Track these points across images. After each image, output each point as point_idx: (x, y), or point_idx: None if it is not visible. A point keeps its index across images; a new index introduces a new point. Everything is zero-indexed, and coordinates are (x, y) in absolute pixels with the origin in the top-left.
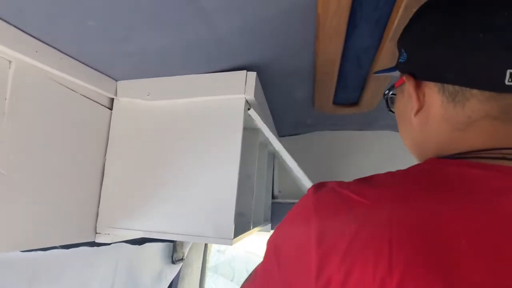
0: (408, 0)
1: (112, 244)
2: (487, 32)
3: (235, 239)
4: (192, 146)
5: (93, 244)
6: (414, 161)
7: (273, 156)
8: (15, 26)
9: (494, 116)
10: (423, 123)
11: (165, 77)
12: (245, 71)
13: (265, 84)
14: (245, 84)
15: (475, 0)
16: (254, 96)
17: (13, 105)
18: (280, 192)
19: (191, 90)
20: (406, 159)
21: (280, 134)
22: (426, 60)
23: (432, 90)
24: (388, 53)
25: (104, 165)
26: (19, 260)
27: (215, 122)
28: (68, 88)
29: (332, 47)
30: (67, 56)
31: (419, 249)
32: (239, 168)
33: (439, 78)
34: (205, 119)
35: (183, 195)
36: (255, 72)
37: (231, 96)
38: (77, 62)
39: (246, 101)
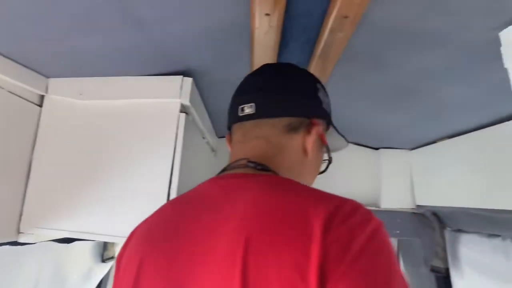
0: (332, 25)
1: (37, 243)
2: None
3: None
4: (125, 148)
5: (16, 243)
6: None
7: (214, 155)
8: None
9: (239, 140)
10: None
11: (99, 77)
12: (181, 76)
13: (204, 88)
14: (181, 89)
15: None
16: (190, 101)
17: None
18: None
19: (126, 91)
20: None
21: (219, 135)
22: None
23: None
24: (318, 69)
25: (30, 164)
26: None
27: (150, 124)
28: None
29: (266, 60)
30: None
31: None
32: (180, 169)
33: None
34: (140, 121)
35: (114, 196)
36: (191, 78)
37: (166, 100)
38: (5, 58)
39: (182, 105)
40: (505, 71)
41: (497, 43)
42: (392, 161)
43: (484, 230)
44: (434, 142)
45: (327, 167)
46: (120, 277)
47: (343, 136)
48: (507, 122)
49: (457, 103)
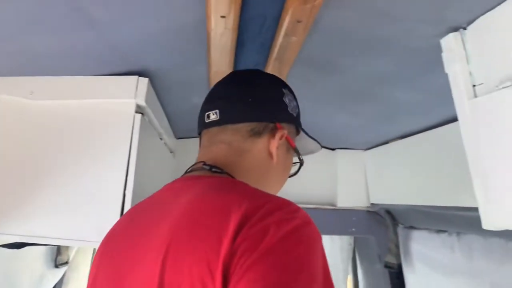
0: (286, 29)
1: None
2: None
3: None
4: (79, 150)
5: None
6: None
7: (173, 156)
8: None
9: (204, 145)
10: None
11: (51, 76)
12: (137, 76)
13: (161, 89)
14: (136, 89)
15: None
16: (146, 101)
17: None
18: None
19: (79, 91)
20: None
21: (178, 136)
22: None
23: None
24: (275, 72)
25: None
26: None
27: (104, 125)
28: None
29: (223, 62)
30: None
31: None
32: (135, 171)
33: None
34: (94, 122)
35: (68, 199)
36: (147, 78)
37: (121, 100)
38: None
39: (137, 106)
40: (446, 76)
41: (439, 49)
42: (347, 161)
43: (433, 226)
44: (386, 142)
45: (298, 170)
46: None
47: (314, 139)
48: (450, 124)
49: (407, 106)
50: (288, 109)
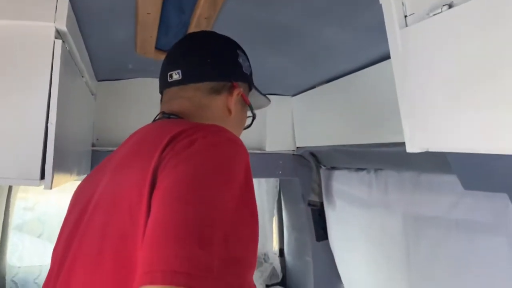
0: None
1: None
2: None
3: (55, 182)
4: None
5: None
6: None
7: (94, 99)
8: None
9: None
10: None
11: None
12: None
13: (81, 20)
14: (55, 12)
15: None
16: (66, 26)
17: None
18: (98, 140)
19: None
20: None
21: (99, 78)
22: None
23: None
24: (209, 1)
25: None
26: None
27: (21, 51)
28: None
29: None
30: None
31: None
32: (58, 102)
33: None
34: (9, 46)
35: None
36: (68, 0)
37: (38, 23)
38: None
39: (57, 31)
40: (375, 13)
41: None
42: (275, 107)
43: (353, 165)
44: (313, 87)
45: (251, 122)
46: None
47: (264, 95)
48: (373, 66)
49: (334, 46)
50: (243, 69)
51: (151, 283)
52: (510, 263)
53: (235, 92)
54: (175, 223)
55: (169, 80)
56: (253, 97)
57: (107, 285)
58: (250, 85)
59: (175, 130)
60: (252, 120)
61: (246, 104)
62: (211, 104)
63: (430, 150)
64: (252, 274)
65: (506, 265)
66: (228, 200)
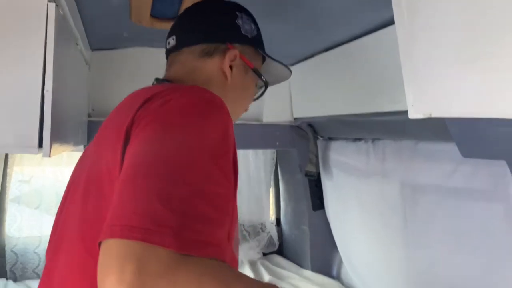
0: None
1: None
2: None
3: (53, 150)
4: None
5: None
6: None
7: (88, 69)
8: None
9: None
10: None
11: None
12: None
13: None
14: None
15: None
16: None
17: None
18: (93, 110)
19: None
20: None
21: (93, 47)
22: None
23: None
24: None
25: None
26: None
27: (12, 15)
28: None
29: None
30: None
31: None
32: (53, 69)
33: None
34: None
35: None
36: None
37: None
38: None
39: None
40: None
41: None
42: None
43: (350, 135)
44: (311, 56)
45: (263, 92)
46: None
47: (280, 62)
48: (372, 34)
49: (335, 10)
50: (241, 30)
51: (111, 236)
52: (507, 229)
53: (229, 54)
54: (139, 179)
55: (167, 47)
56: (269, 67)
57: (93, 236)
58: (258, 50)
59: (152, 92)
60: (264, 90)
61: (250, 70)
62: (204, 68)
63: (433, 116)
64: (224, 234)
65: (503, 231)
66: (196, 158)
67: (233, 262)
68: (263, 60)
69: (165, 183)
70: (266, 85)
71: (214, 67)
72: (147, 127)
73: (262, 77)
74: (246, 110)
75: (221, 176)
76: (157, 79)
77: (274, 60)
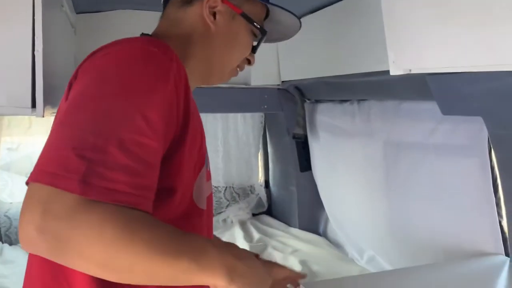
0: None
1: None
2: None
3: (46, 111)
4: None
5: None
6: None
7: (74, 33)
8: None
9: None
10: None
11: None
12: None
13: None
14: None
15: None
16: None
17: None
18: None
19: None
20: None
21: (78, 10)
22: None
23: None
24: None
25: None
26: None
27: None
28: None
29: None
30: None
31: None
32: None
33: None
34: None
35: None
36: None
37: None
38: None
39: None
40: None
41: None
42: None
43: (337, 97)
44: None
45: (259, 43)
46: None
47: (288, 10)
48: None
49: None
50: None
51: (30, 179)
52: (482, 180)
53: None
54: (62, 126)
55: (161, 2)
56: (273, 18)
57: None
58: None
59: (102, 46)
60: (260, 39)
61: (238, 15)
62: (185, 18)
63: (412, 71)
64: (146, 183)
65: (478, 183)
66: (120, 108)
67: (194, 213)
68: (267, 12)
69: (82, 131)
70: (263, 32)
71: (195, 16)
72: (83, 78)
73: (255, 23)
74: (241, 68)
75: (148, 127)
76: (141, 34)
77: (277, 6)
